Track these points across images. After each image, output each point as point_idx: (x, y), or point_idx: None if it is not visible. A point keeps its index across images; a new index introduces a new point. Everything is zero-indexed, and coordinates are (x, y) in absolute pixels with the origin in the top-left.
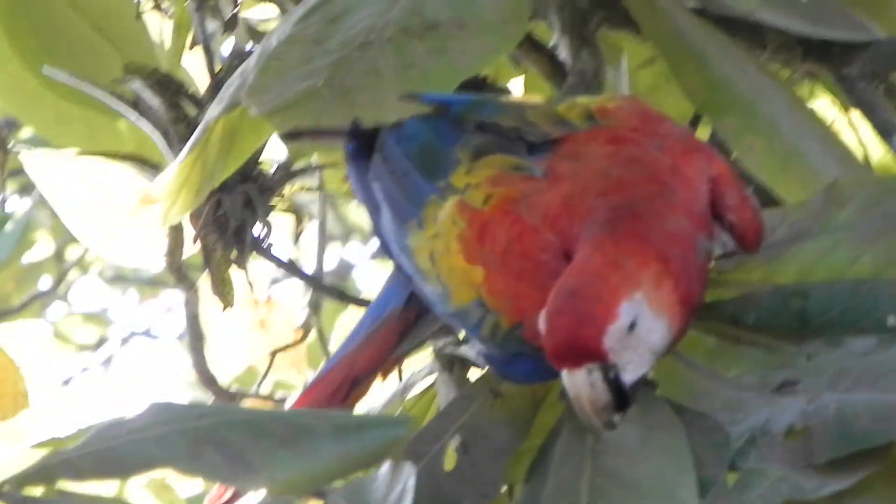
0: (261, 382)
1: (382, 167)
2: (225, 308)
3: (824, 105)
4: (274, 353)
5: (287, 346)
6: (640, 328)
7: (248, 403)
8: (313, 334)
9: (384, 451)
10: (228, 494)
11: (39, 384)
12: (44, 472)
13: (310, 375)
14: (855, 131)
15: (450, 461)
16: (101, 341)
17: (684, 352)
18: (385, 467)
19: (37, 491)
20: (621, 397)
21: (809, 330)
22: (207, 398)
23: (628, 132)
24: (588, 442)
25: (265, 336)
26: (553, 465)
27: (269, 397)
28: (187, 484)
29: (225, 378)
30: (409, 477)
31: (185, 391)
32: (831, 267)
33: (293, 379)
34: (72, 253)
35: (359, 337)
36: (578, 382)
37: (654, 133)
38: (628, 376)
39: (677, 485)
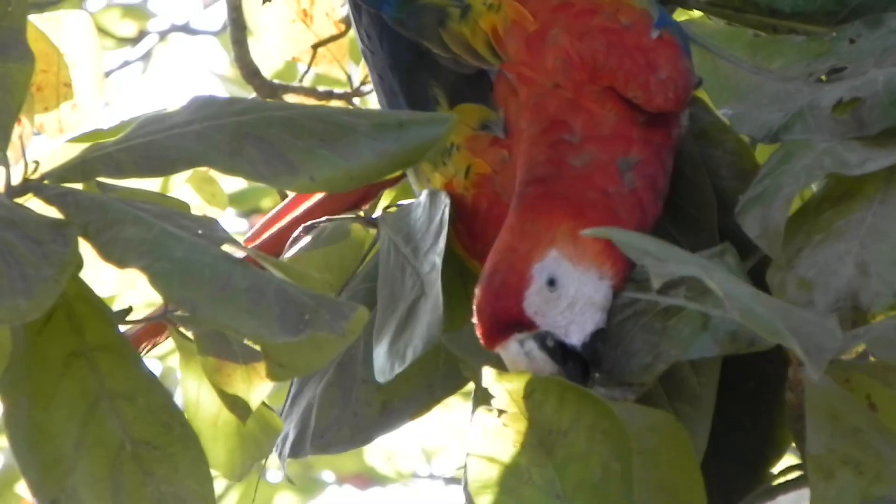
0: (303, 77)
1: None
2: (266, 0)
3: None
4: (316, 46)
5: (329, 39)
6: (563, 286)
7: (289, 98)
8: (354, 31)
9: (424, 149)
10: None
11: (81, 76)
12: (84, 167)
13: (352, 70)
14: None
15: None
16: (142, 35)
17: (723, 47)
18: (423, 197)
19: (78, 185)
20: (576, 359)
21: (847, 11)
22: (249, 93)
23: (524, 72)
24: None
25: (307, 28)
26: None
27: (313, 91)
28: (229, 180)
29: (265, 72)
30: (444, 206)
31: (225, 88)
32: None
33: (335, 72)
34: None
35: None
36: (513, 356)
37: (543, 64)
38: (574, 338)
39: None
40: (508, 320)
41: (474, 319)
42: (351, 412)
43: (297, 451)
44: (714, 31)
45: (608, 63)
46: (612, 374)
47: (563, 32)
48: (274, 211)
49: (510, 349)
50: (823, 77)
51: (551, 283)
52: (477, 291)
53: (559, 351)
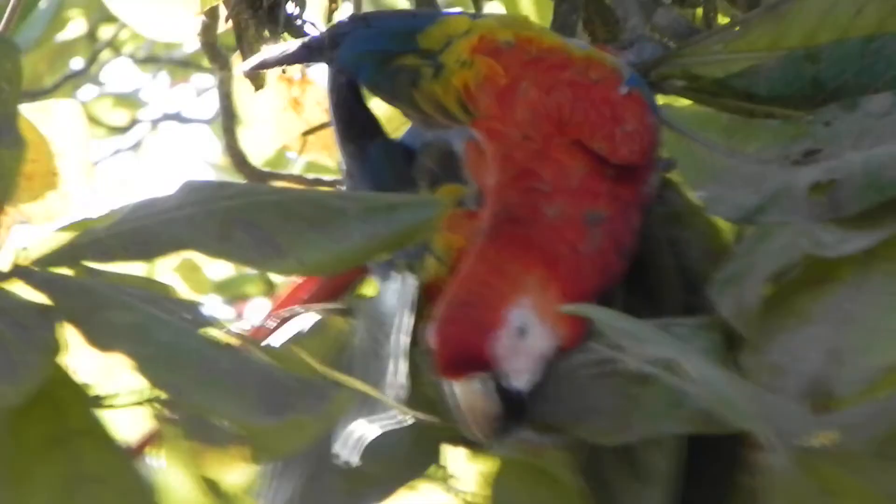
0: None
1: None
2: (257, 89)
3: None
4: (306, 134)
5: (319, 127)
6: (531, 336)
7: (279, 185)
8: None
9: (414, 232)
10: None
11: (70, 164)
12: (73, 252)
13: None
14: None
15: None
16: (133, 123)
17: (698, 131)
18: (395, 281)
19: (66, 271)
20: (513, 406)
21: (824, 95)
22: (238, 179)
23: (494, 126)
24: None
25: (298, 116)
26: None
27: (301, 178)
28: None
29: (256, 160)
30: (413, 288)
31: (215, 175)
32: (836, 23)
33: (324, 160)
34: (104, 33)
35: None
36: (470, 393)
37: (514, 118)
38: (519, 384)
39: None
40: (474, 358)
41: (433, 342)
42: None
43: None
44: (689, 115)
45: (575, 115)
46: (556, 421)
47: (533, 86)
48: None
49: (470, 386)
50: (799, 159)
51: (521, 332)
52: (442, 316)
53: (511, 396)
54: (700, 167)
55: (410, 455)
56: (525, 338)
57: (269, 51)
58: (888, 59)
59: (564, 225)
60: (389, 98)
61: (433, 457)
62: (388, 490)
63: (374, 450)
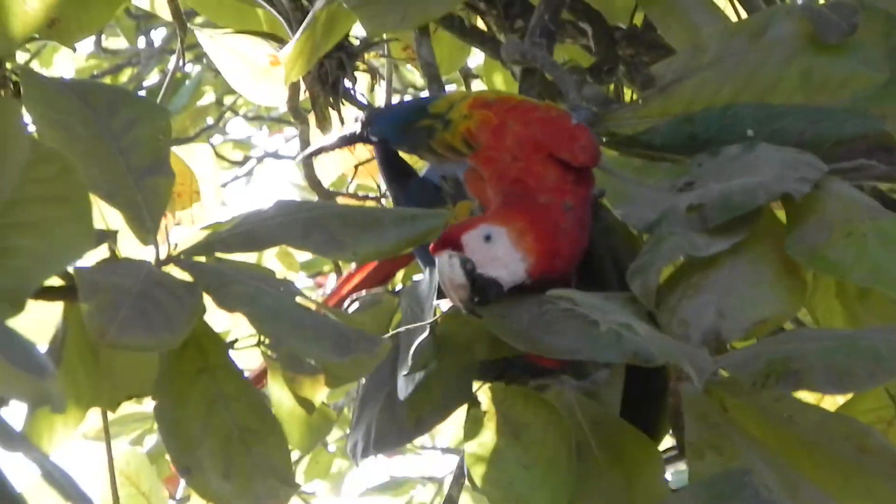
0: (348, 185)
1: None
2: (324, 135)
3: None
4: (357, 166)
5: (366, 161)
6: (495, 243)
7: (340, 200)
8: None
9: (430, 233)
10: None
11: (206, 186)
12: (206, 246)
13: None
14: (737, 16)
15: None
16: (246, 160)
17: (618, 170)
18: (426, 273)
19: (203, 259)
20: (478, 287)
21: (697, 146)
22: (313, 197)
23: (491, 153)
24: None
25: (352, 154)
26: None
27: (355, 195)
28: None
29: (325, 183)
30: (436, 278)
31: (299, 194)
32: (704, 98)
33: (369, 183)
34: (227, 100)
35: None
36: (442, 263)
37: (505, 145)
38: (486, 272)
39: None
40: (448, 241)
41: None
42: (397, 427)
43: (365, 454)
44: (612, 160)
45: (545, 138)
46: (574, 372)
47: (515, 123)
48: (343, 277)
49: (442, 256)
50: (681, 189)
51: (487, 237)
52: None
53: (471, 274)
54: (620, 194)
55: (451, 390)
56: (490, 243)
57: (320, 140)
58: (740, 121)
59: (551, 207)
60: (412, 150)
61: (467, 391)
62: (442, 416)
63: (429, 393)
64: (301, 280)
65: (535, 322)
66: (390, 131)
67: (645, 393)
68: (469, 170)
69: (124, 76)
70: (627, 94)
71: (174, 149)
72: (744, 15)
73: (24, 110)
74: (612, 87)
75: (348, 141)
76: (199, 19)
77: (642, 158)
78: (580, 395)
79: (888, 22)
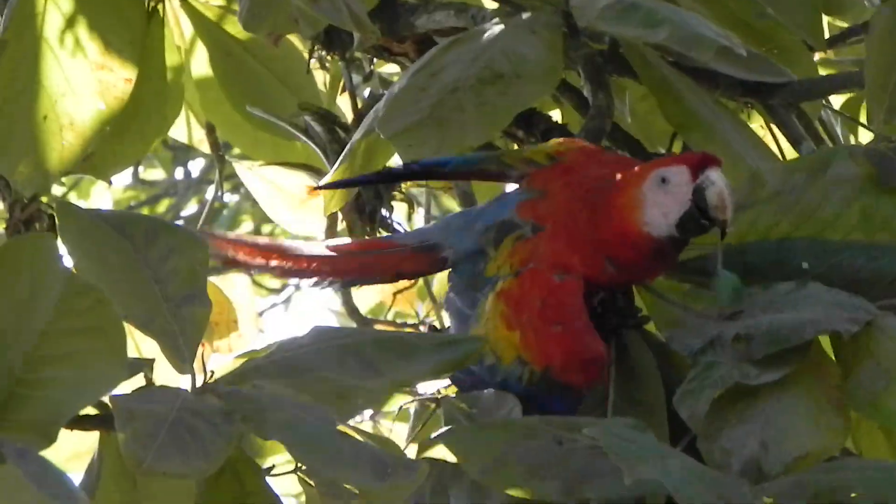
0: (387, 313)
1: (453, 293)
2: None
3: (756, 125)
4: (395, 294)
5: (404, 289)
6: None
7: (378, 327)
8: (421, 281)
9: (466, 359)
10: None
11: (243, 315)
12: (244, 374)
13: (418, 308)
14: (776, 142)
15: None
16: (284, 287)
17: (667, 293)
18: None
19: (240, 386)
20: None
21: (749, 275)
22: (351, 324)
23: (575, 165)
24: (611, 371)
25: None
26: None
27: (393, 322)
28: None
29: (363, 309)
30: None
31: (337, 320)
32: (760, 230)
33: (407, 310)
34: (265, 230)
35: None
36: (718, 177)
37: (594, 161)
38: None
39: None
40: (714, 161)
41: None
42: None
43: None
44: (661, 283)
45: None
46: None
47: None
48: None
49: (715, 171)
50: (728, 317)
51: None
52: None
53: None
54: (665, 318)
55: None
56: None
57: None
58: (795, 254)
59: None
60: (470, 167)
61: None
62: None
63: None
64: None
65: (565, 467)
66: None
67: None
68: (524, 200)
69: (162, 206)
70: None
71: (212, 278)
72: (783, 142)
73: (60, 243)
74: None
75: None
76: (235, 151)
77: (692, 285)
78: None
79: None
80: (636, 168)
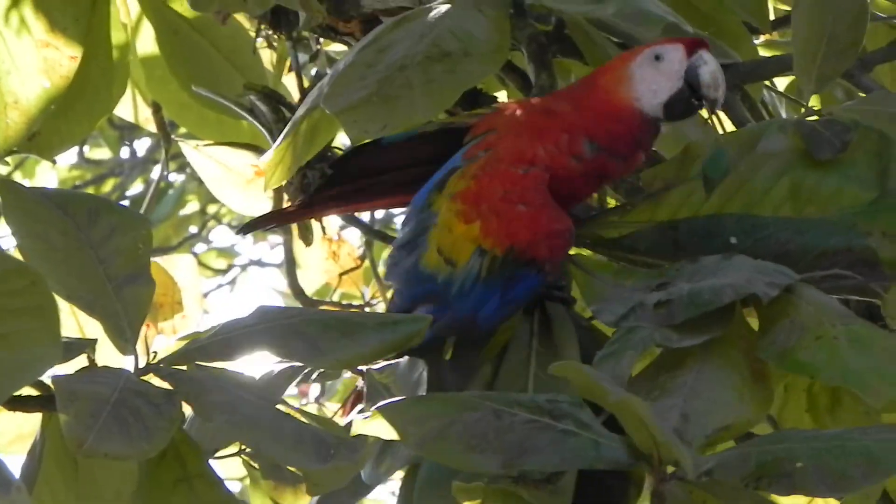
0: (332, 294)
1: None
2: (308, 245)
3: None
4: (341, 275)
5: (350, 270)
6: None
7: (323, 308)
8: (367, 262)
9: (410, 339)
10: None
11: (188, 296)
12: (187, 355)
13: (364, 290)
14: (721, 123)
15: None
16: (229, 268)
17: (597, 271)
18: (403, 361)
19: (182, 367)
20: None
21: (679, 252)
22: (296, 304)
23: (521, 104)
24: (533, 343)
25: (335, 263)
26: (507, 356)
27: (338, 304)
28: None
29: (309, 291)
30: (422, 369)
31: (282, 301)
32: (690, 206)
33: (354, 292)
34: (211, 209)
35: None
36: (711, 59)
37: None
38: None
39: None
40: (703, 44)
41: None
42: None
43: None
44: (592, 261)
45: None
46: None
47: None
48: None
49: (707, 53)
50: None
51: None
52: None
53: None
54: (595, 294)
55: None
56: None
57: None
58: (724, 229)
59: None
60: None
61: None
62: None
63: None
64: None
65: (503, 440)
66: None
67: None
68: (469, 147)
69: (107, 186)
70: (611, 202)
71: (157, 259)
72: (729, 126)
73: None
74: (595, 196)
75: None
76: (182, 130)
77: (624, 262)
78: None
79: (881, 141)
80: (629, 50)
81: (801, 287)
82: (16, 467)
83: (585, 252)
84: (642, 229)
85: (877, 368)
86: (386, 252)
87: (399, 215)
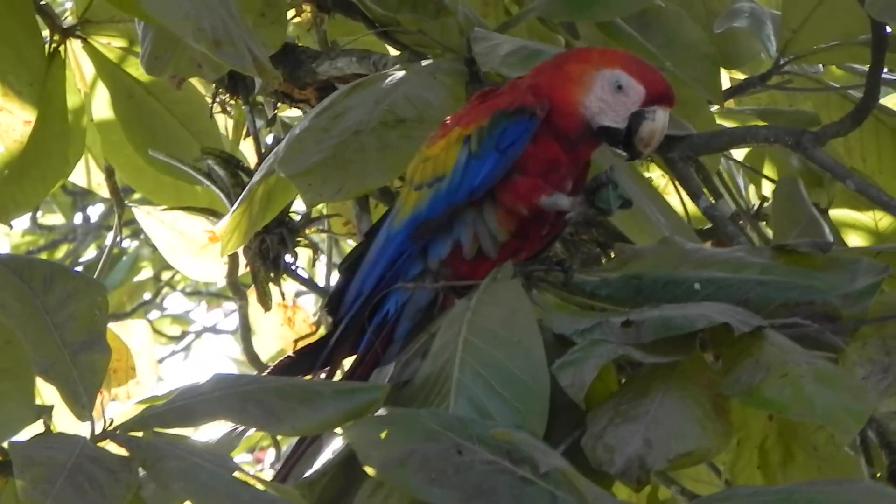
0: None
1: None
2: (265, 310)
3: (657, 174)
4: (296, 341)
5: (305, 336)
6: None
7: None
8: (322, 328)
9: (368, 406)
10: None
11: (142, 362)
12: (143, 421)
13: None
14: (678, 192)
15: None
16: (184, 335)
17: (556, 312)
18: None
19: (139, 434)
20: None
21: (641, 298)
22: (252, 371)
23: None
24: (466, 315)
25: (291, 329)
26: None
27: None
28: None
29: (264, 358)
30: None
31: (237, 368)
32: (657, 267)
33: None
34: (165, 276)
35: None
36: (662, 116)
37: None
38: None
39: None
40: (670, 98)
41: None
42: None
43: None
44: (551, 303)
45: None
46: None
47: None
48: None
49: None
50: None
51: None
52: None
53: None
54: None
55: None
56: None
57: None
58: (677, 286)
59: None
60: None
61: None
62: None
63: None
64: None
65: (462, 478)
66: None
67: None
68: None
69: (61, 252)
70: None
71: (111, 325)
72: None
73: None
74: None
75: None
76: (136, 195)
77: (583, 306)
78: None
79: None
80: (608, 51)
81: (766, 331)
82: None
83: (549, 295)
84: (607, 277)
85: (843, 405)
86: None
87: None
